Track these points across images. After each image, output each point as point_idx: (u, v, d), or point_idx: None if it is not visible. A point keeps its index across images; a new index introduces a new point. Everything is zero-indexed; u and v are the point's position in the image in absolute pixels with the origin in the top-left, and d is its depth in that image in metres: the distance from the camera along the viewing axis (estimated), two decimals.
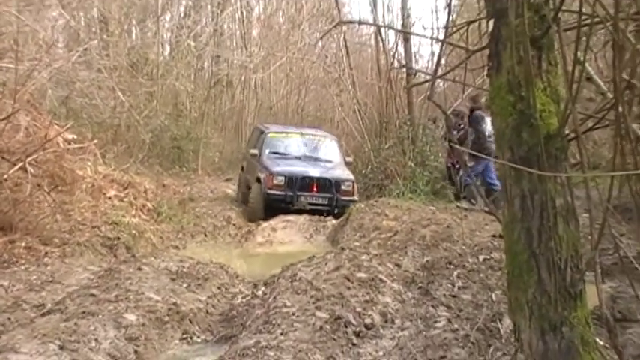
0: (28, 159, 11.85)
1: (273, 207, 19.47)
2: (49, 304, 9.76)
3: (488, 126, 16.29)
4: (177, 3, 27.45)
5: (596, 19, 2.75)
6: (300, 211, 19.69)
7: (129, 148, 19.05)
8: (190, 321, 9.81)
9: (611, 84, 2.89)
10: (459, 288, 10.17)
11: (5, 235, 11.58)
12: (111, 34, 19.95)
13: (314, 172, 20.15)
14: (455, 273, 10.80)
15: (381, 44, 24.67)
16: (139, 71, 22.54)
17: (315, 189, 19.80)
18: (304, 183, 19.75)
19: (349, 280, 10.68)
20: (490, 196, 15.13)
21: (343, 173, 20.56)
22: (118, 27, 21.42)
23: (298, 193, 19.59)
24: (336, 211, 19.68)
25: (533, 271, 2.85)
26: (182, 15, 28.04)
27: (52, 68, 13.07)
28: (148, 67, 23.34)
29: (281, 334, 8.62)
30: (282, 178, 19.63)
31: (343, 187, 19.87)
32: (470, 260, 11.52)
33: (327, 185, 19.86)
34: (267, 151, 21.16)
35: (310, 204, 19.60)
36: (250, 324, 9.50)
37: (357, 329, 8.96)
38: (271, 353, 7.86)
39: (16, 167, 11.65)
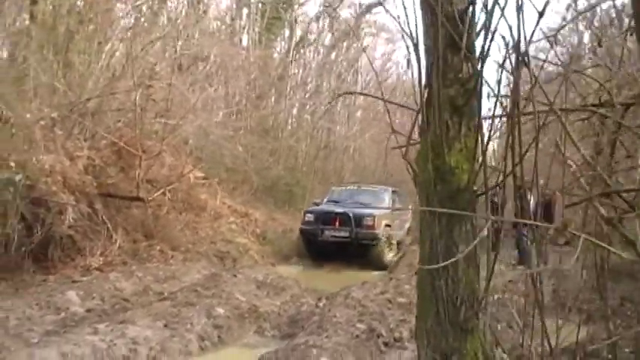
0: (168, 187, 12.10)
1: (307, 240, 16.98)
2: (166, 293, 9.81)
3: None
4: (302, 88, 27.79)
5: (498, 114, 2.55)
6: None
7: (252, 189, 19.19)
8: (264, 319, 9.67)
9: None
10: None
11: (146, 240, 11.77)
12: (246, 106, 20.32)
13: (340, 209, 17.43)
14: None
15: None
16: (267, 134, 22.86)
17: (336, 223, 16.94)
18: (327, 218, 17.10)
19: (390, 302, 10.42)
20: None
21: (368, 210, 17.55)
22: (255, 101, 21.81)
23: (322, 227, 16.84)
24: (357, 243, 16.79)
25: (433, 304, 2.60)
26: (306, 96, 28.36)
27: (194, 125, 13.33)
28: (274, 130, 23.69)
29: (326, 337, 8.40)
30: (311, 215, 17.34)
31: (363, 222, 16.87)
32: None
33: (346, 220, 16.92)
34: (325, 200, 19.18)
35: (332, 236, 16.82)
36: (307, 327, 9.32)
37: (387, 340, 8.66)
38: (314, 351, 7.67)
39: (159, 192, 11.90)
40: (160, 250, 11.67)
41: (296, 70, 27.78)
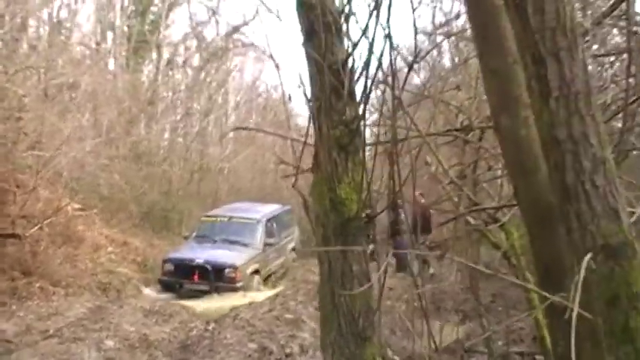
0: (45, 222, 11.84)
1: (167, 290, 15.24)
2: (51, 331, 9.63)
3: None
4: (172, 112, 27.63)
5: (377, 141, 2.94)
6: None
7: (129, 216, 18.87)
8: (155, 347, 9.70)
9: None
10: None
11: (25, 277, 11.45)
12: (118, 132, 19.99)
13: (199, 259, 15.50)
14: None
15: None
16: (140, 160, 22.57)
17: (195, 276, 15.18)
18: (186, 269, 15.27)
19: (278, 319, 10.70)
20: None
21: (231, 258, 15.71)
22: (126, 127, 21.52)
23: (181, 280, 15.11)
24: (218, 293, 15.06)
25: (335, 319, 2.93)
26: (177, 119, 28.19)
27: (69, 156, 13.10)
28: (147, 156, 23.42)
29: (220, 359, 8.61)
30: (170, 265, 15.51)
31: (224, 274, 15.21)
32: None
33: (205, 272, 15.23)
34: (194, 235, 17.51)
35: (192, 290, 15.01)
36: (199, 351, 9.46)
37: (279, 357, 8.96)
38: None
39: (35, 227, 11.62)
40: (40, 287, 11.38)
41: (166, 94, 27.57)
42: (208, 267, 15.20)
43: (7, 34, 14.57)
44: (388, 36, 2.59)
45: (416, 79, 9.98)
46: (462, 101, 5.55)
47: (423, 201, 12.45)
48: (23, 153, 11.98)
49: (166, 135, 27.60)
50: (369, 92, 2.81)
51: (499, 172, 5.11)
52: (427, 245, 13.86)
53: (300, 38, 3.04)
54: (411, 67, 2.48)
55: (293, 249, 19.53)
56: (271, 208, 19.54)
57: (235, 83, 32.37)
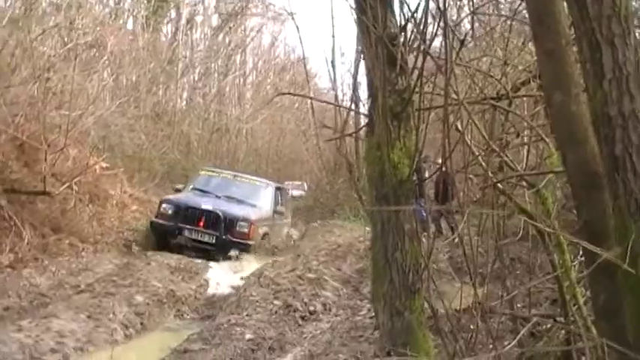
0: (74, 180, 12.13)
1: (159, 238, 13.53)
2: (83, 286, 9.94)
3: None
4: (191, 71, 27.76)
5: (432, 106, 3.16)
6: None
7: (150, 175, 19.15)
8: (182, 303, 10.05)
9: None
10: None
11: (55, 234, 11.76)
12: (140, 92, 20.20)
13: (208, 205, 13.69)
14: None
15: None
16: (160, 119, 22.82)
17: (201, 223, 13.23)
18: (190, 214, 13.31)
19: (301, 278, 10.96)
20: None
21: (244, 212, 13.90)
22: (148, 86, 21.70)
23: (181, 225, 13.18)
24: (222, 251, 13.19)
25: (387, 273, 3.18)
26: (195, 79, 28.36)
27: (95, 115, 13.36)
28: (167, 116, 23.66)
29: (247, 315, 8.90)
30: (170, 206, 13.56)
31: (237, 227, 13.33)
32: None
33: (214, 221, 13.23)
34: (190, 187, 15.30)
35: (193, 240, 13.16)
36: (226, 307, 9.77)
37: (303, 314, 9.23)
38: (238, 329, 8.15)
39: (65, 186, 11.91)
40: (70, 244, 11.71)
41: (185, 53, 27.73)
42: (219, 214, 13.31)
43: None
44: (441, 10, 2.79)
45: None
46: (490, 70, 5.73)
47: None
48: (52, 113, 12.24)
49: (185, 95, 27.85)
50: (422, 64, 3.02)
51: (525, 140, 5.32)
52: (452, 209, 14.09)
53: (354, 10, 3.24)
54: (462, 43, 2.68)
55: (287, 233, 17.59)
56: (275, 185, 17.09)
57: (254, 44, 32.44)
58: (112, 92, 17.24)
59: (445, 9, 2.69)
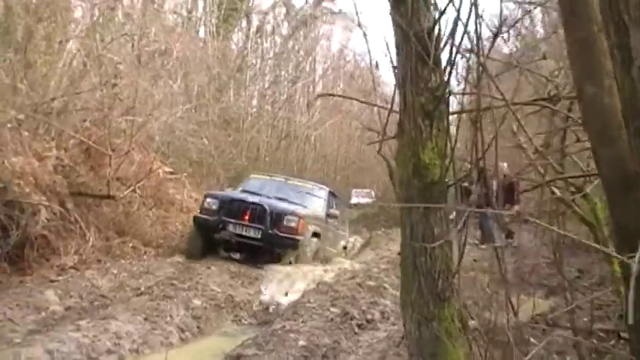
0: (138, 184, 12.36)
1: (201, 234, 12.81)
2: (143, 288, 10.06)
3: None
4: (261, 78, 28.06)
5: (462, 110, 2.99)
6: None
7: (217, 181, 19.34)
8: (240, 308, 10.03)
9: None
10: None
11: (119, 237, 11.99)
12: (208, 99, 20.51)
13: (254, 198, 13.08)
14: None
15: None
16: (229, 126, 23.10)
17: (246, 217, 12.54)
18: (235, 208, 12.63)
19: (361, 286, 10.80)
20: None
21: (294, 207, 13.20)
22: (215, 93, 22.02)
23: (225, 219, 12.50)
24: (269, 249, 12.62)
25: (415, 279, 3.01)
26: (265, 86, 28.64)
27: (160, 121, 13.60)
28: (235, 123, 23.94)
29: (302, 322, 8.81)
30: (214, 201, 12.90)
31: (284, 221, 12.51)
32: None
33: (260, 214, 12.52)
34: (239, 189, 14.63)
35: (238, 235, 12.45)
36: (283, 313, 9.72)
37: (360, 322, 9.07)
38: (292, 335, 8.07)
39: (129, 189, 12.15)
40: (133, 247, 11.92)
41: (254, 61, 28.03)
42: (266, 207, 12.59)
43: (104, 4, 15.09)
44: (474, 4, 2.62)
45: (505, 49, 9.84)
46: (552, 71, 5.47)
47: (507, 171, 12.28)
48: (118, 118, 12.51)
49: (254, 102, 28.15)
50: (455, 60, 2.87)
51: (587, 145, 5.05)
52: (512, 217, 13.70)
53: (388, 6, 3.10)
54: (496, 36, 2.52)
55: (344, 249, 16.50)
56: (328, 189, 16.05)
57: (323, 51, 32.63)
58: (178, 99, 17.50)
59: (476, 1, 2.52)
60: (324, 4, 30.01)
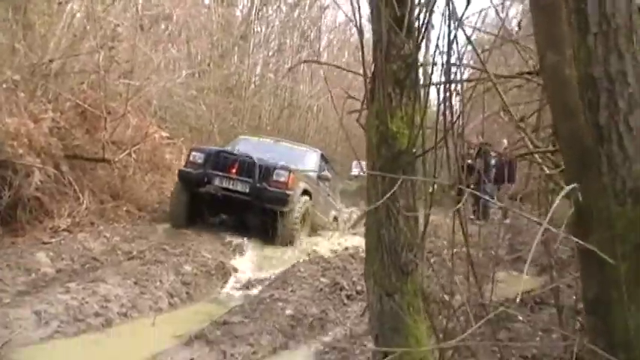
0: (133, 148, 12.31)
1: (185, 189, 12.09)
2: (135, 252, 10.06)
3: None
4: (265, 46, 27.82)
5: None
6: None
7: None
8: (231, 275, 10.05)
9: None
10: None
11: (113, 201, 11.97)
12: (210, 65, 20.39)
13: (244, 152, 12.37)
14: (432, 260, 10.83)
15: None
16: (231, 93, 22.95)
17: (233, 170, 11.83)
18: (222, 161, 11.94)
19: (353, 257, 10.80)
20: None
21: (283, 162, 12.23)
22: (218, 60, 21.85)
23: (211, 172, 11.78)
24: (257, 206, 11.93)
25: (378, 251, 2.95)
26: (269, 55, 28.43)
27: (158, 86, 13.50)
28: (237, 90, 23.78)
29: (291, 291, 8.81)
30: (200, 154, 12.16)
31: (273, 175, 11.77)
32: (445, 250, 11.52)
33: (249, 168, 11.75)
34: (227, 148, 13.43)
35: (224, 188, 11.68)
36: (272, 282, 9.73)
37: (349, 293, 9.07)
38: (280, 304, 8.08)
39: (124, 153, 12.09)
40: (127, 211, 11.89)
41: (259, 29, 27.77)
42: (254, 160, 11.83)
43: None
44: None
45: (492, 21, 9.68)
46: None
47: (507, 149, 12.18)
48: (115, 81, 12.41)
49: (258, 70, 27.92)
50: (427, 26, 2.77)
51: None
52: (508, 195, 13.69)
53: None
54: (468, 2, 2.41)
55: (335, 218, 15.82)
56: (321, 152, 15.24)
57: (328, 21, 32.28)
58: (180, 64, 17.37)
59: None
60: None
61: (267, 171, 11.74)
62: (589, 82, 1.84)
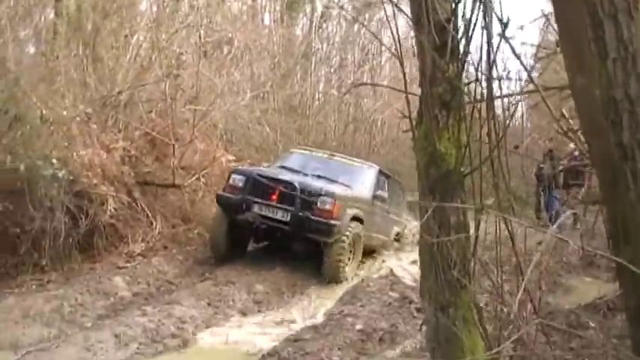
0: (201, 172, 12.65)
1: (224, 215, 11.18)
2: (207, 274, 10.34)
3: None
4: (327, 63, 28.03)
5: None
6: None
7: None
8: (302, 293, 10.18)
9: None
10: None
11: (185, 224, 12.33)
12: (272, 86, 20.72)
13: (285, 176, 11.30)
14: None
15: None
16: (294, 112, 23.20)
17: (274, 197, 10.80)
18: (260, 185, 10.87)
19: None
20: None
21: (329, 187, 11.11)
22: (279, 80, 22.16)
23: (250, 198, 10.77)
24: (298, 236, 10.94)
25: (432, 267, 3.06)
26: (331, 70, 28.61)
27: (222, 110, 13.86)
28: (301, 108, 24.03)
29: (360, 306, 8.91)
30: (240, 177, 11.12)
31: (317, 203, 10.58)
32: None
33: (290, 194, 10.72)
34: (276, 165, 12.70)
35: (263, 217, 10.73)
36: (342, 297, 9.84)
37: (419, 306, 9.10)
38: (350, 319, 8.19)
39: (193, 178, 12.45)
40: (198, 233, 12.21)
41: (319, 46, 27.95)
42: (296, 185, 10.75)
43: None
44: None
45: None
46: None
47: (576, 154, 12.02)
48: (181, 108, 12.82)
49: (321, 87, 28.07)
50: (468, 50, 2.88)
51: None
52: (578, 199, 13.46)
53: None
54: (505, 26, 2.51)
55: (397, 236, 14.79)
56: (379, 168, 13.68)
57: (389, 33, 32.20)
58: (242, 87, 17.69)
59: None
60: None
61: (310, 197, 10.65)
62: (611, 104, 1.94)
